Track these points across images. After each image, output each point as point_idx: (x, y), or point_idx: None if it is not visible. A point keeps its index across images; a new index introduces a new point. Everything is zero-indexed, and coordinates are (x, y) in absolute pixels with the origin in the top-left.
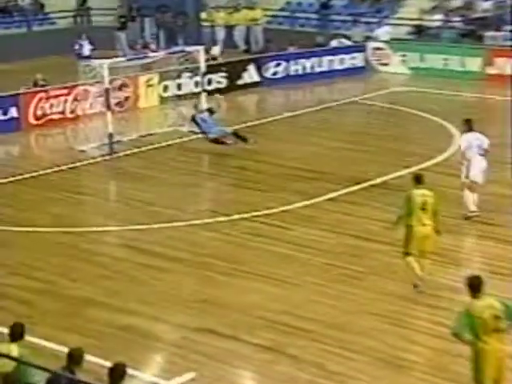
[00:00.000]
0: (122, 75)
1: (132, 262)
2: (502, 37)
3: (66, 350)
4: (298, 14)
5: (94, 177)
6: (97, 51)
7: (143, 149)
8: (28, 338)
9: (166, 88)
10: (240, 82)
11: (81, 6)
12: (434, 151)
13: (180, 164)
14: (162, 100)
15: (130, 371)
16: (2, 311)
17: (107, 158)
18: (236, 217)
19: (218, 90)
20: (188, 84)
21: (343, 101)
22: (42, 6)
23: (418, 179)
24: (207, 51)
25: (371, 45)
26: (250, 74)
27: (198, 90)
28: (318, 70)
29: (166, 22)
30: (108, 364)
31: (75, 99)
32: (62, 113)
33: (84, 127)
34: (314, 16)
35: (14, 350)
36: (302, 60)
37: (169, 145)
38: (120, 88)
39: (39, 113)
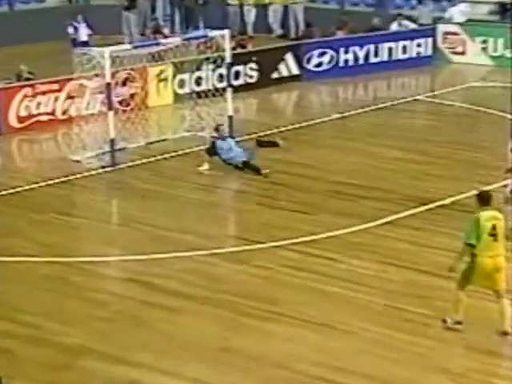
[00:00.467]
0: (128, 67)
1: (137, 300)
2: None
3: None
4: None
5: (90, 194)
6: (96, 36)
7: (152, 159)
8: None
9: (181, 83)
10: (275, 76)
11: None
12: None
13: (198, 178)
14: (177, 98)
15: None
16: None
17: (108, 170)
18: (268, 245)
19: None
20: (209, 78)
21: (405, 99)
22: None
23: (484, 199)
24: (234, 36)
25: (442, 28)
26: (288, 66)
27: (223, 85)
28: (373, 60)
29: (182, 1)
30: None
31: (69, 96)
32: (52, 113)
33: (79, 132)
34: None
35: None
36: (354, 48)
37: (185, 154)
38: (125, 83)
39: (23, 113)
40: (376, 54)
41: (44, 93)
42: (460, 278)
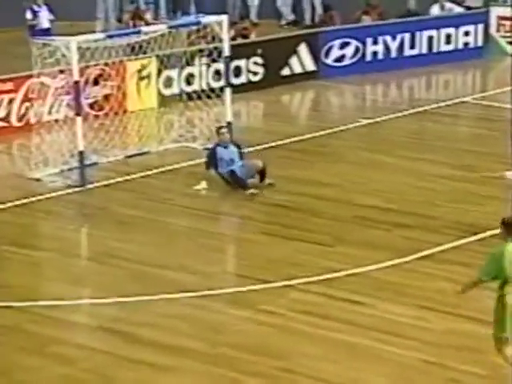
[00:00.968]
0: (101, 61)
1: (113, 354)
2: None
3: None
4: None
5: (54, 220)
6: (61, 23)
7: (133, 176)
8: None
9: (168, 81)
10: (285, 73)
11: None
12: None
13: (190, 200)
14: (163, 100)
15: None
16: None
17: (76, 190)
18: (278, 284)
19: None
20: (203, 75)
21: (448, 101)
22: None
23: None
24: (234, 23)
25: (496, 12)
26: (301, 60)
27: (220, 84)
28: (409, 52)
29: None
30: None
31: (26, 99)
32: (5, 119)
33: (40, 142)
34: None
35: None
36: (385, 37)
37: (174, 169)
38: (97, 81)
39: None
40: (412, 46)
41: None
42: (494, 329)
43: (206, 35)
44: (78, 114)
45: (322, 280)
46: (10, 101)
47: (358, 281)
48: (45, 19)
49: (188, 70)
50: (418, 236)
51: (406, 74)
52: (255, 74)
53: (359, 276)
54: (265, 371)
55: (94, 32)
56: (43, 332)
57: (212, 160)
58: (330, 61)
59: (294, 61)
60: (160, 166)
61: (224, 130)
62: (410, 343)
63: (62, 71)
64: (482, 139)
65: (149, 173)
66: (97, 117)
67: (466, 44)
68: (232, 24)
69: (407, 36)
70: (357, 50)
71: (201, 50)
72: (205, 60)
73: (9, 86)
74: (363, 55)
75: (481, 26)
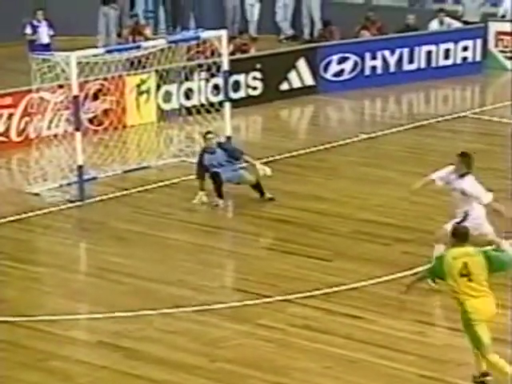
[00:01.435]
0: (100, 76)
1: (112, 369)
2: None
3: None
4: None
5: (53, 236)
6: (61, 38)
7: (132, 191)
8: None
9: (167, 96)
10: (284, 87)
11: None
12: None
13: (189, 215)
14: (162, 115)
15: None
16: None
17: (75, 205)
18: (277, 299)
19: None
20: (202, 90)
21: (447, 116)
22: None
23: (459, 235)
24: (233, 38)
25: (494, 27)
26: (300, 75)
27: (219, 99)
28: (408, 67)
29: None
30: None
31: (25, 114)
32: (5, 134)
33: (39, 157)
34: None
35: None
36: (383, 52)
37: (172, 184)
38: (96, 96)
39: None
40: (411, 60)
41: None
42: (470, 339)
43: (206, 50)
44: (77, 129)
45: (321, 294)
46: (10, 116)
47: (357, 295)
48: (44, 34)
49: (187, 84)
50: (417, 251)
51: (404, 89)
52: (254, 88)
53: (358, 291)
54: None
55: (95, 47)
56: (42, 347)
57: (201, 168)
58: (328, 75)
59: (292, 75)
60: (159, 180)
61: (211, 136)
62: (409, 358)
63: (61, 86)
64: (481, 154)
65: (148, 187)
66: (96, 131)
67: (464, 59)
68: (231, 39)
69: (406, 51)
70: (355, 64)
71: (200, 65)
72: (204, 75)
73: (8, 100)
74: (362, 70)
75: (479, 41)
